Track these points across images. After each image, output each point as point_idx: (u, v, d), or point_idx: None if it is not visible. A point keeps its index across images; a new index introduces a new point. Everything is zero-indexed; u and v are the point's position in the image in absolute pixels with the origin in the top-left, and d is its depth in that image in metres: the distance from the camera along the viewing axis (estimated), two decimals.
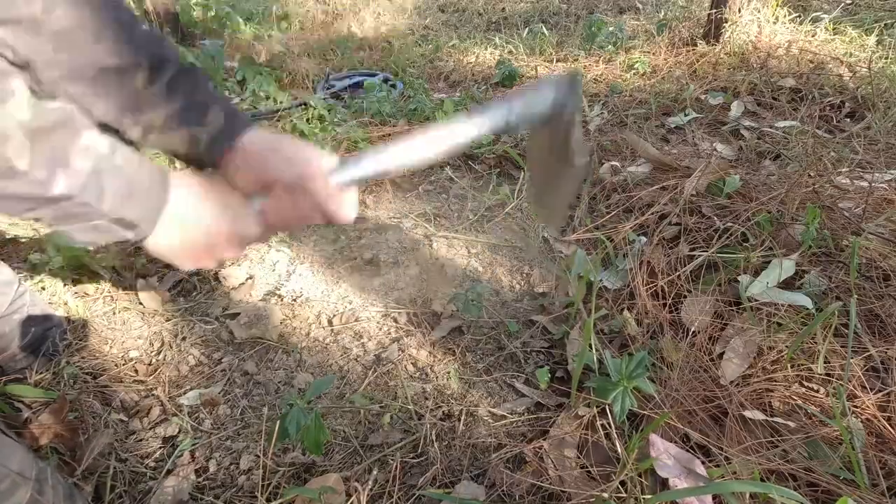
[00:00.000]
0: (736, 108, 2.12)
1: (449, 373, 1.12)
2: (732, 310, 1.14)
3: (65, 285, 1.33)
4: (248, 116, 0.62)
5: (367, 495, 0.81)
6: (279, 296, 1.34)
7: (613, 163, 1.76)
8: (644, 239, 1.35)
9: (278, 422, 0.91)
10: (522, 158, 1.86)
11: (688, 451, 0.86)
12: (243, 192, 0.60)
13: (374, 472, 0.90)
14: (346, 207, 0.61)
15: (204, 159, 0.62)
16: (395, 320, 1.27)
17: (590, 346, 1.01)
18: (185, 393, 1.09)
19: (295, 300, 1.30)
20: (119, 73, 0.56)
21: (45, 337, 1.14)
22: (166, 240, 0.55)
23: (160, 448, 0.98)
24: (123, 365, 1.16)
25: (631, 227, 1.39)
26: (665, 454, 0.83)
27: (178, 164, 0.65)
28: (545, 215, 0.82)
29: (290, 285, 1.38)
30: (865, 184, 1.38)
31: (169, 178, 0.53)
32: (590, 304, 1.13)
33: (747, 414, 0.91)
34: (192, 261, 0.59)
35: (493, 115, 0.63)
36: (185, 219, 0.55)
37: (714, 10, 2.70)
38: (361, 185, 0.56)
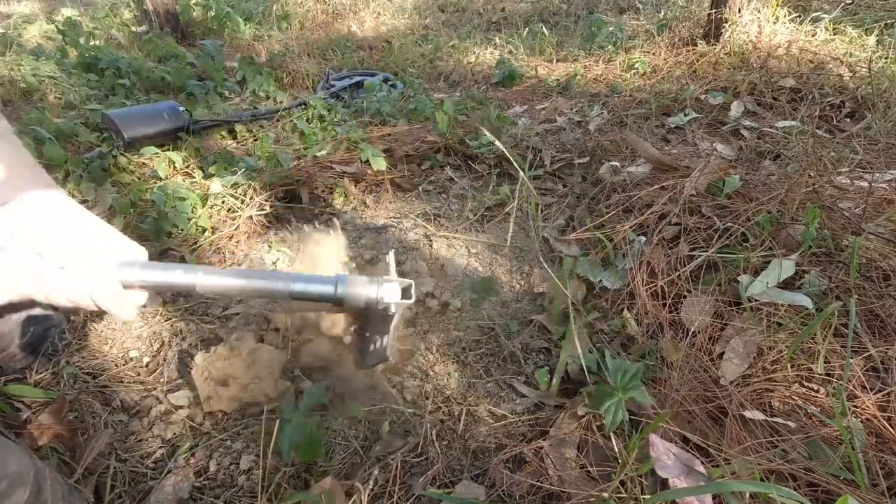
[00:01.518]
0: (736, 108, 2.12)
1: (449, 373, 1.12)
2: (732, 310, 1.14)
3: None
4: (44, 176, 0.56)
5: (368, 495, 0.81)
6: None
7: (613, 163, 1.76)
8: (644, 239, 1.34)
9: (273, 436, 0.91)
10: (522, 159, 1.86)
11: (688, 451, 0.86)
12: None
13: (376, 473, 0.90)
14: (117, 305, 0.55)
15: None
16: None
17: (589, 350, 1.01)
18: (184, 393, 1.09)
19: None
20: None
21: (45, 336, 1.14)
22: None
23: (160, 448, 0.98)
24: (123, 365, 1.16)
25: (631, 227, 1.39)
26: (665, 454, 0.83)
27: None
28: (364, 358, 0.91)
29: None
30: (865, 184, 1.38)
31: None
32: (588, 304, 1.14)
33: (747, 414, 0.91)
34: None
35: (320, 282, 0.73)
36: None
37: (714, 10, 2.70)
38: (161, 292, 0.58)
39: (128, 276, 0.56)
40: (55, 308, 0.55)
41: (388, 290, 0.76)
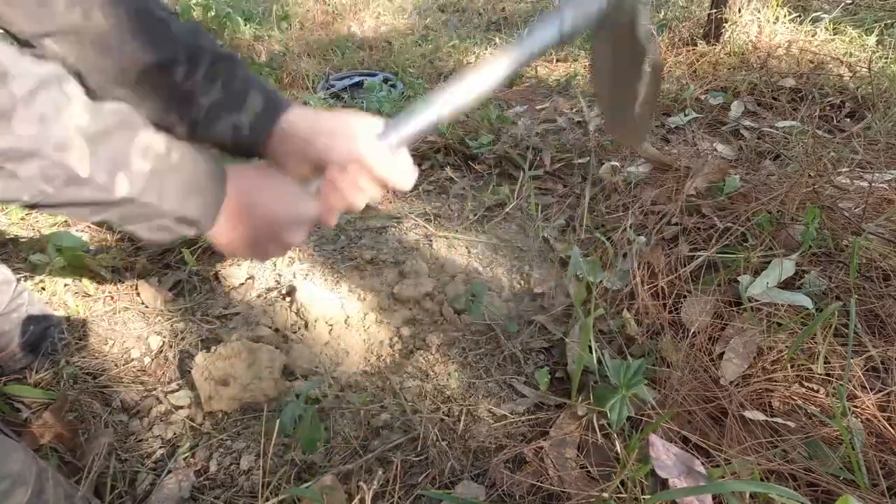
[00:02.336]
0: (736, 108, 2.12)
1: (449, 373, 1.12)
2: (732, 310, 1.14)
3: (65, 285, 1.33)
4: (285, 98, 0.63)
5: (371, 494, 0.81)
6: (279, 296, 1.34)
7: (613, 163, 1.76)
8: (643, 239, 1.34)
9: (278, 420, 0.91)
10: (522, 159, 1.86)
11: (687, 451, 0.86)
12: (298, 176, 0.60)
13: (379, 472, 0.90)
14: (403, 173, 0.60)
15: (249, 147, 0.62)
16: (396, 319, 1.27)
17: (588, 348, 1.01)
18: (184, 393, 1.09)
19: (295, 300, 1.30)
20: (159, 71, 0.57)
21: (45, 336, 1.14)
22: (228, 233, 0.55)
23: (160, 448, 0.98)
24: (123, 365, 1.16)
25: (631, 227, 1.39)
26: (665, 454, 0.83)
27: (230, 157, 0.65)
28: (625, 133, 0.74)
29: (290, 285, 1.38)
30: (865, 184, 1.38)
31: (225, 172, 0.54)
32: (588, 305, 1.14)
33: (747, 414, 0.91)
34: (257, 252, 0.59)
35: (542, 33, 0.57)
36: (243, 211, 0.55)
37: (714, 10, 2.69)
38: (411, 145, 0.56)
39: (394, 140, 0.58)
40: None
41: None
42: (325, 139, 0.59)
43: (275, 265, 1.44)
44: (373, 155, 0.57)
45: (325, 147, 0.59)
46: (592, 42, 0.66)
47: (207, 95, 0.59)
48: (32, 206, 0.44)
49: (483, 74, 0.58)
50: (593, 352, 1.02)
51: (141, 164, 0.46)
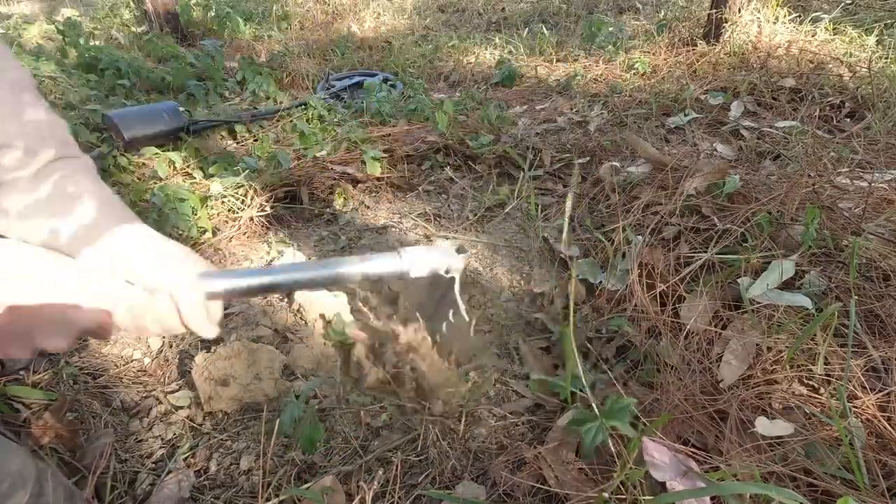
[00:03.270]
0: (736, 108, 2.12)
1: (449, 372, 1.12)
2: (732, 311, 1.14)
3: None
4: (127, 211, 0.58)
5: (372, 494, 0.81)
6: (279, 296, 1.34)
7: (613, 163, 1.76)
8: (643, 239, 1.34)
9: (278, 420, 0.91)
10: (522, 159, 1.86)
11: (687, 452, 0.86)
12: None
13: (380, 472, 0.90)
14: (207, 324, 0.56)
15: (64, 252, 0.55)
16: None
17: (583, 355, 1.01)
18: (184, 393, 1.09)
19: (294, 300, 1.30)
20: None
21: None
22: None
23: (160, 448, 0.98)
24: (123, 365, 1.16)
25: (630, 228, 1.39)
26: (659, 457, 0.83)
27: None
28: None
29: None
30: (865, 184, 1.38)
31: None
32: (586, 305, 1.14)
33: (747, 416, 0.91)
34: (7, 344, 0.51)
35: (384, 259, 0.66)
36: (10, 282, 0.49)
37: (714, 10, 2.70)
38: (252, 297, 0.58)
39: (212, 286, 0.57)
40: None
41: (447, 252, 0.70)
42: (150, 264, 0.55)
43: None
44: (186, 296, 0.54)
45: (143, 270, 0.54)
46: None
47: (27, 193, 0.54)
48: None
49: (323, 268, 0.64)
50: (587, 357, 1.02)
51: None
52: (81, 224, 0.54)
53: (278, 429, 0.89)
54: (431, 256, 0.69)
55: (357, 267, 0.65)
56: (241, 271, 0.62)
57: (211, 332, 0.57)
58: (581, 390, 0.94)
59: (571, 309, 0.97)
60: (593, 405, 0.87)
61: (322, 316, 1.25)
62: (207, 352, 1.07)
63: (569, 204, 1.34)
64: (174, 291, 0.54)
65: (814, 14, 2.73)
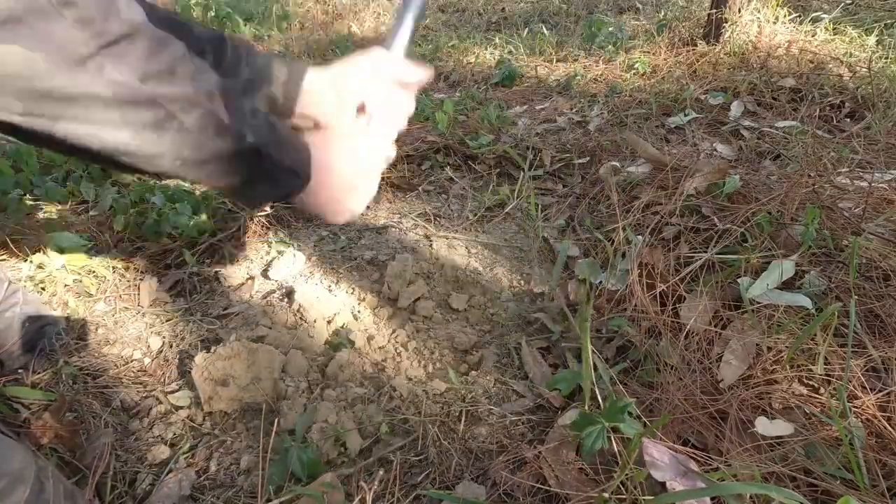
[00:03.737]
0: (736, 108, 2.12)
1: (449, 373, 1.12)
2: (732, 311, 1.14)
3: (65, 285, 1.33)
4: (298, 62, 0.69)
5: (373, 494, 0.81)
6: (279, 296, 1.34)
7: (613, 163, 1.76)
8: (643, 239, 1.34)
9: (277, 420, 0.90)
10: (522, 159, 1.86)
11: (687, 452, 0.86)
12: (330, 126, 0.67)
13: (380, 472, 0.90)
14: (419, 70, 0.69)
15: (281, 114, 0.67)
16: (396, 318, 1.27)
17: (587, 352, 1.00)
18: (184, 393, 1.09)
19: (294, 300, 1.30)
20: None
21: (42, 334, 1.14)
22: (317, 190, 0.59)
23: (160, 448, 0.98)
24: (123, 365, 1.16)
25: (630, 228, 1.39)
26: (660, 457, 0.83)
27: None
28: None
29: (289, 285, 1.38)
30: (865, 184, 1.38)
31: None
32: (588, 306, 1.14)
33: (747, 416, 0.91)
34: (341, 207, 0.64)
35: None
36: (326, 167, 0.59)
37: (714, 10, 2.70)
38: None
39: (398, 49, 0.69)
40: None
41: None
42: (354, 79, 0.66)
43: (274, 266, 1.44)
44: (399, 68, 0.67)
45: (360, 85, 0.65)
46: None
47: (238, 76, 0.64)
48: (178, 169, 0.47)
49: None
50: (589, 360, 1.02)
51: (259, 118, 0.50)
52: (284, 82, 0.65)
53: (280, 476, 0.90)
54: None
55: None
56: (397, 23, 0.70)
57: (427, 73, 0.72)
58: (593, 385, 0.94)
59: (589, 300, 0.97)
60: (599, 402, 0.87)
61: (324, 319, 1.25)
62: (207, 352, 1.07)
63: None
64: (396, 75, 0.66)
65: (814, 14, 2.73)
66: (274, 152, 0.51)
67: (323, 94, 0.67)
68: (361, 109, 0.66)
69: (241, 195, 0.55)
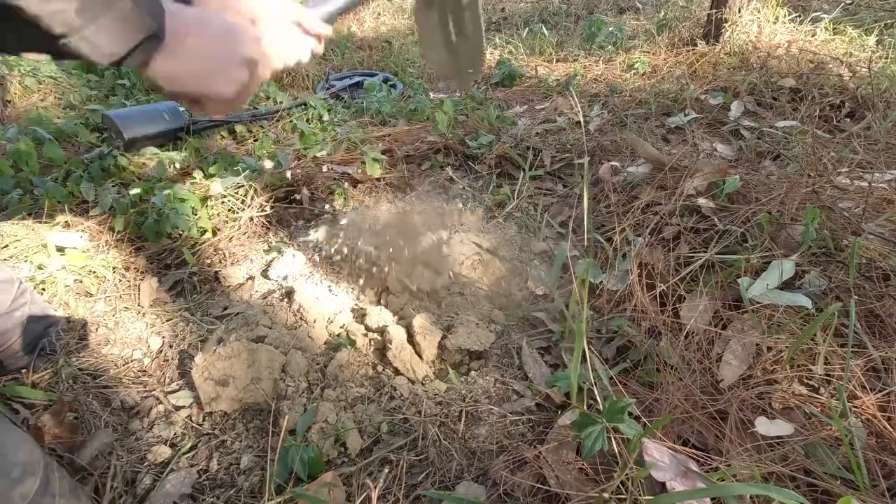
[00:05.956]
0: (736, 108, 2.12)
1: (449, 373, 1.12)
2: (732, 311, 1.14)
3: (66, 286, 1.33)
4: None
5: (378, 493, 0.81)
6: (279, 296, 1.34)
7: (613, 163, 1.76)
8: (643, 240, 1.34)
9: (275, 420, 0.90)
10: (522, 159, 1.86)
11: (687, 452, 0.86)
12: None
13: (385, 471, 0.90)
14: (323, 27, 0.69)
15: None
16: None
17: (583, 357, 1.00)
18: (185, 393, 1.09)
19: (294, 300, 1.30)
20: None
21: (44, 335, 1.14)
22: (176, 58, 0.51)
23: (160, 448, 0.98)
24: (123, 365, 1.16)
25: (630, 228, 1.39)
26: (660, 457, 0.83)
27: None
28: (453, 72, 0.92)
29: (289, 285, 1.38)
30: (865, 184, 1.38)
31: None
32: (585, 307, 1.13)
33: (747, 416, 0.91)
34: (203, 83, 0.55)
35: None
36: (192, 33, 0.52)
37: (714, 10, 2.70)
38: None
39: (316, 11, 0.70)
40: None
41: None
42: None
43: (274, 267, 1.44)
44: (305, 16, 0.66)
45: (260, 3, 0.63)
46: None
47: None
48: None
49: None
50: (587, 360, 1.02)
51: None
52: None
53: (281, 474, 0.90)
54: None
55: None
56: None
57: (328, 29, 0.71)
58: (591, 385, 0.94)
59: (584, 300, 0.97)
60: (598, 402, 0.87)
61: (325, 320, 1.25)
62: (207, 352, 1.07)
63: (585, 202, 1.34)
64: (297, 16, 0.65)
65: (814, 14, 2.73)
66: None
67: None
68: (254, 21, 0.64)
69: (82, 41, 0.45)
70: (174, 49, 0.51)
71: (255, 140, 2.15)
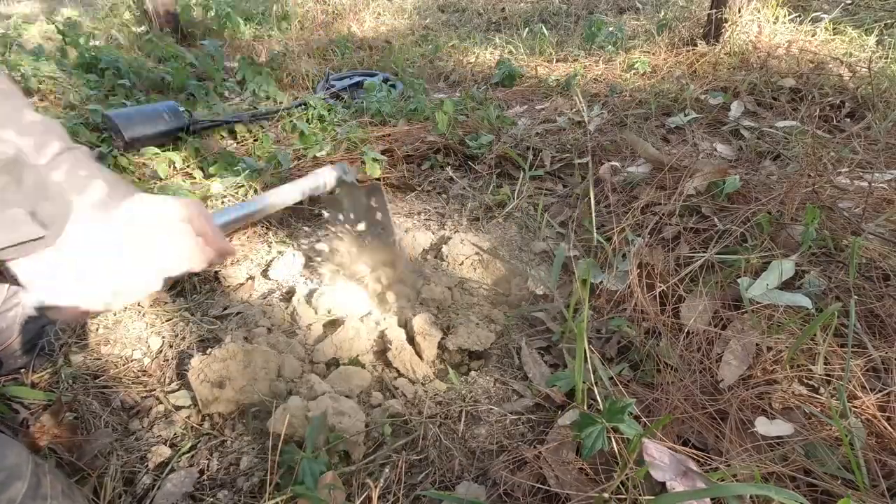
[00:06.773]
0: (736, 108, 2.12)
1: (449, 373, 1.12)
2: (732, 311, 1.14)
3: None
4: (131, 186, 0.65)
5: (378, 492, 0.81)
6: (279, 296, 1.34)
7: (613, 163, 1.76)
8: (643, 240, 1.34)
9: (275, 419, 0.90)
10: (522, 159, 1.86)
11: (687, 452, 0.86)
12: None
13: (386, 471, 0.90)
14: (228, 247, 0.72)
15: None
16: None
17: (585, 357, 1.00)
18: (184, 393, 1.09)
19: (294, 301, 1.30)
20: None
21: (41, 334, 1.14)
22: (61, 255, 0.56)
23: (160, 448, 0.98)
24: (123, 365, 1.16)
25: (630, 228, 1.39)
26: (660, 457, 0.82)
27: None
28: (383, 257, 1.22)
29: (289, 285, 1.38)
30: (865, 184, 1.38)
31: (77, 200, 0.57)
32: (582, 308, 1.13)
33: (747, 416, 0.91)
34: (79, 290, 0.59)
35: (322, 178, 1.02)
36: (93, 236, 0.57)
37: (714, 10, 2.70)
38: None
39: (222, 219, 0.78)
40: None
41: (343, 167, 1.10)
42: (165, 222, 0.65)
43: (274, 267, 1.44)
44: (210, 230, 0.69)
45: (161, 225, 0.65)
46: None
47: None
48: None
49: (282, 193, 0.94)
50: (587, 360, 1.02)
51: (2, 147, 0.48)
52: (93, 202, 0.60)
53: (293, 483, 0.89)
54: (334, 170, 1.04)
55: (303, 185, 0.98)
56: (229, 209, 0.81)
57: (232, 252, 0.74)
58: (591, 385, 0.94)
59: (585, 299, 0.97)
60: (599, 402, 0.87)
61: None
62: (203, 354, 1.07)
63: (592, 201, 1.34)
64: (197, 226, 0.67)
65: (814, 14, 2.73)
66: (13, 184, 0.48)
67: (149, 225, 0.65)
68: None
69: None
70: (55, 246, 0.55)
71: (255, 140, 2.15)
